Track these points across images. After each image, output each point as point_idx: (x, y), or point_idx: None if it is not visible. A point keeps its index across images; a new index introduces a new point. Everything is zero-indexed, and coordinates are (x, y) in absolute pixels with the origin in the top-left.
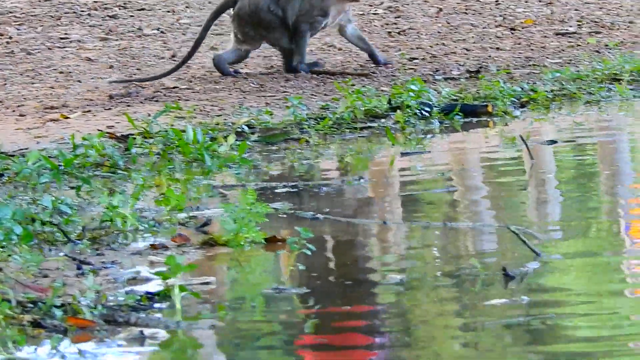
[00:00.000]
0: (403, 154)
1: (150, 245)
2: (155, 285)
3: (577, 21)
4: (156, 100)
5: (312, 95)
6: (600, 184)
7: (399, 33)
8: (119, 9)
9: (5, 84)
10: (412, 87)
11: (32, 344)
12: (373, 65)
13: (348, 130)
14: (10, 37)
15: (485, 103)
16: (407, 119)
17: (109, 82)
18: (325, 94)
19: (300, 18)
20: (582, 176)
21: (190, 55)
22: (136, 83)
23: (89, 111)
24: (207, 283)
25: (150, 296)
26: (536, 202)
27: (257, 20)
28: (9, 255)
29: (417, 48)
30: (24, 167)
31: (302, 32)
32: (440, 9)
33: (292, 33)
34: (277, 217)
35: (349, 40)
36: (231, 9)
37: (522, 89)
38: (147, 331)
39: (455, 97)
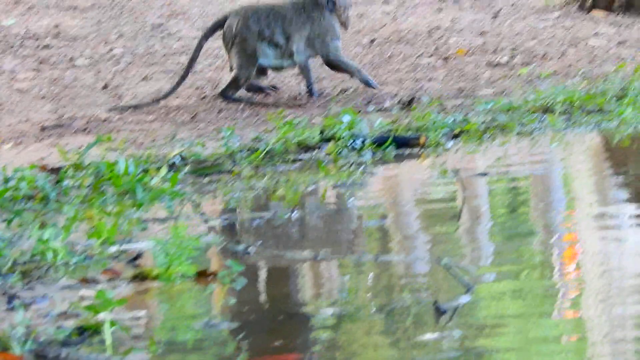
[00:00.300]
0: (335, 186)
1: (81, 279)
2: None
3: (510, 51)
4: (88, 132)
5: (245, 126)
6: (533, 216)
7: None
8: (52, 38)
9: None
10: (345, 118)
11: None
12: (306, 96)
13: (280, 162)
14: None
15: (417, 134)
16: (339, 150)
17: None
18: (257, 125)
19: (330, 51)
20: (514, 208)
21: (184, 76)
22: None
23: (21, 143)
24: (138, 318)
25: (81, 331)
26: (468, 235)
27: (239, 41)
28: None
29: (350, 78)
30: None
31: (344, 61)
32: (374, 39)
33: (332, 67)
34: (209, 250)
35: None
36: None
37: (454, 120)
38: None
39: (387, 129)
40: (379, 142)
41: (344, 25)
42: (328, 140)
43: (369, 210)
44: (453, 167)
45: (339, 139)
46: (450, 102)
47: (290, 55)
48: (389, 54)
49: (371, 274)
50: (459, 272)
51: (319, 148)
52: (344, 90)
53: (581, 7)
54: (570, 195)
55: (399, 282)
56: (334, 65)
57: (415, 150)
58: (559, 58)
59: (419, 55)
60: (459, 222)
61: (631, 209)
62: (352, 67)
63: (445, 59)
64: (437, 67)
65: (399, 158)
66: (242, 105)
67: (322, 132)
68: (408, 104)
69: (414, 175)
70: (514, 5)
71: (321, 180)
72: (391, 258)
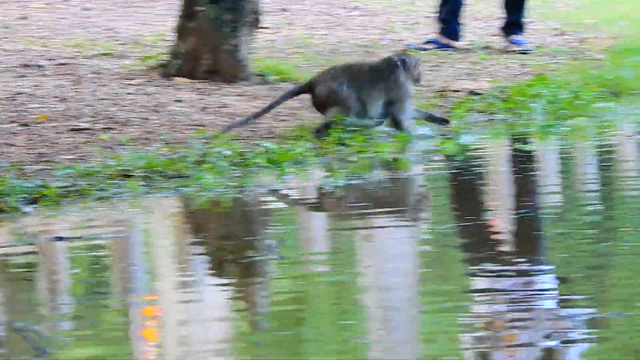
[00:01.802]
0: None
1: None
2: None
3: (91, 117)
4: None
5: None
6: (113, 279)
7: None
8: None
9: None
10: None
11: None
12: None
13: None
14: None
15: None
16: None
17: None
18: None
19: (401, 112)
20: (94, 272)
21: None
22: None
23: None
24: None
25: None
26: (46, 299)
27: (331, 103)
28: None
29: None
30: None
31: (405, 124)
32: None
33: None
34: None
35: None
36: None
37: (33, 185)
38: None
39: None
40: None
41: (417, 80)
42: None
43: None
44: (30, 231)
45: None
46: (30, 167)
47: (367, 116)
48: None
49: None
50: (33, 337)
51: None
52: None
53: (164, 74)
54: (150, 259)
55: None
56: (396, 123)
57: None
58: (141, 124)
59: None
60: (36, 287)
61: (209, 272)
62: (407, 130)
63: (26, 125)
64: (17, 132)
65: None
66: None
67: None
68: None
69: None
70: (97, 72)
71: None
72: None
